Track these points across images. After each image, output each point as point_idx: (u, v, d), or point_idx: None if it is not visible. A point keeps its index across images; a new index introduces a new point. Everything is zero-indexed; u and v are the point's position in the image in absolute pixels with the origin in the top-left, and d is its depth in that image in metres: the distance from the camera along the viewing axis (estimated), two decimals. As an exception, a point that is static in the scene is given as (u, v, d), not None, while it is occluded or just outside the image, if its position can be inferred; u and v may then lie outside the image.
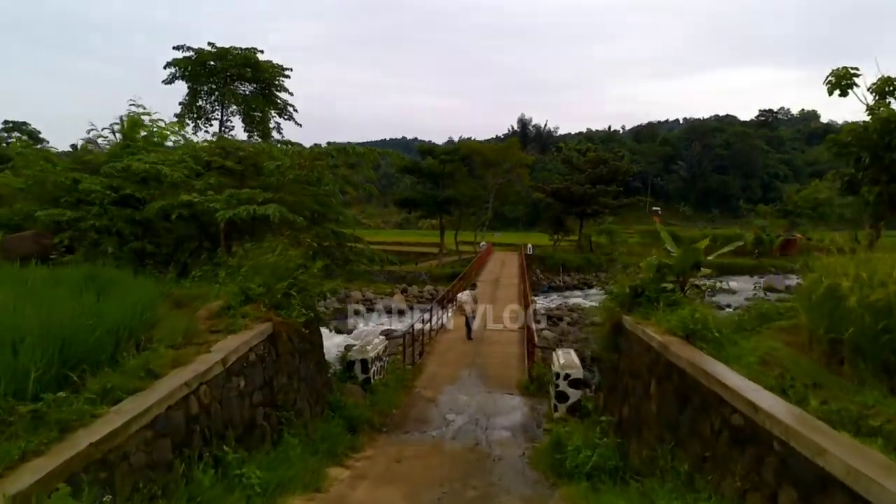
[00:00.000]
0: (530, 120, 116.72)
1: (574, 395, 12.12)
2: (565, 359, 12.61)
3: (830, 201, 66.86)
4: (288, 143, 15.88)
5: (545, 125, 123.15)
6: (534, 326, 16.83)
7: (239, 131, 68.78)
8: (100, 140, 15.22)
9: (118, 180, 12.85)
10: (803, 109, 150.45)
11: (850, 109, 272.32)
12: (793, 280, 57.88)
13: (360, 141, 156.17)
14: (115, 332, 6.15)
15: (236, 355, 6.92)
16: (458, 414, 12.54)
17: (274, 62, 52.59)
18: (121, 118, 15.04)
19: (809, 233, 65.54)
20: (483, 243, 58.07)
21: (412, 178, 59.88)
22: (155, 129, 15.39)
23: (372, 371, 13.02)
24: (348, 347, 23.40)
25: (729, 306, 46.16)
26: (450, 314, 24.15)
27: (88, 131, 14.86)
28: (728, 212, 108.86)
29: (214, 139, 19.08)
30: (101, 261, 10.80)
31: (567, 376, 12.13)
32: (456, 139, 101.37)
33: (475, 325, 21.30)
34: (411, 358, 16.56)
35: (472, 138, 58.63)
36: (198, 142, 16.79)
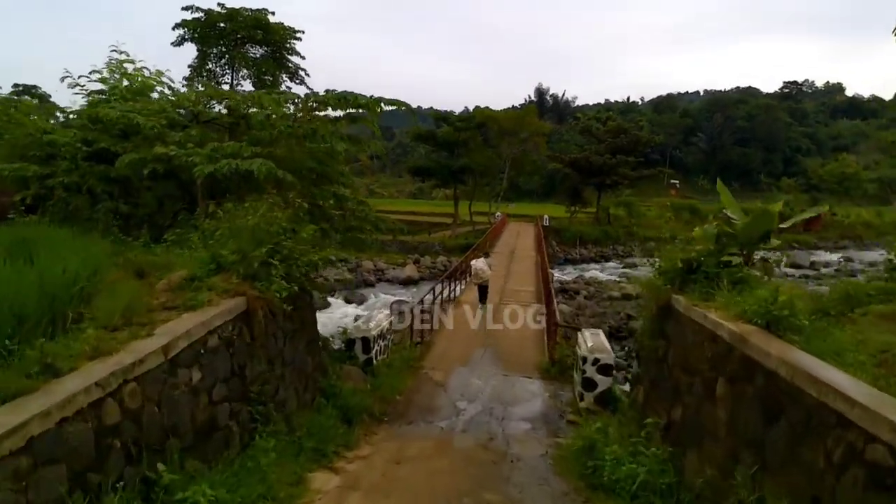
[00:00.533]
0: (548, 90, 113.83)
1: (603, 382, 10.52)
2: (594, 341, 10.98)
3: (857, 176, 64.31)
4: (282, 92, 14.16)
5: (563, 95, 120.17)
6: (555, 304, 15.20)
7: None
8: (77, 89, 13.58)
9: (94, 133, 11.28)
10: (828, 82, 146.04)
11: (876, 83, 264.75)
12: (819, 256, 55.71)
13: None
14: (23, 309, 4.60)
15: (188, 340, 5.35)
16: (469, 401, 10.99)
17: (285, 24, 50.86)
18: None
19: (835, 208, 63.17)
20: (498, 214, 56.23)
21: (426, 146, 58.02)
22: (139, 79, 13.74)
23: (374, 350, 11.48)
24: (358, 319, 22.05)
25: (751, 282, 44.34)
26: (462, 287, 22.54)
27: (62, 78, 13.20)
28: (748, 186, 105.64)
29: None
30: (72, 223, 9.34)
31: (596, 361, 10.51)
32: (471, 109, 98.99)
33: (489, 294, 20.07)
34: (419, 334, 15.02)
35: (489, 107, 56.25)
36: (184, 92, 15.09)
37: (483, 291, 19.85)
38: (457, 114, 51.36)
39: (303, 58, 49.87)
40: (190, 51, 47.40)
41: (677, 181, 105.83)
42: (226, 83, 52.29)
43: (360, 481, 6.93)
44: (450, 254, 47.90)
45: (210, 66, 52.70)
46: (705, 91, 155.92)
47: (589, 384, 10.56)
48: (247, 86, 51.32)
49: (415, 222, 60.69)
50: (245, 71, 53.30)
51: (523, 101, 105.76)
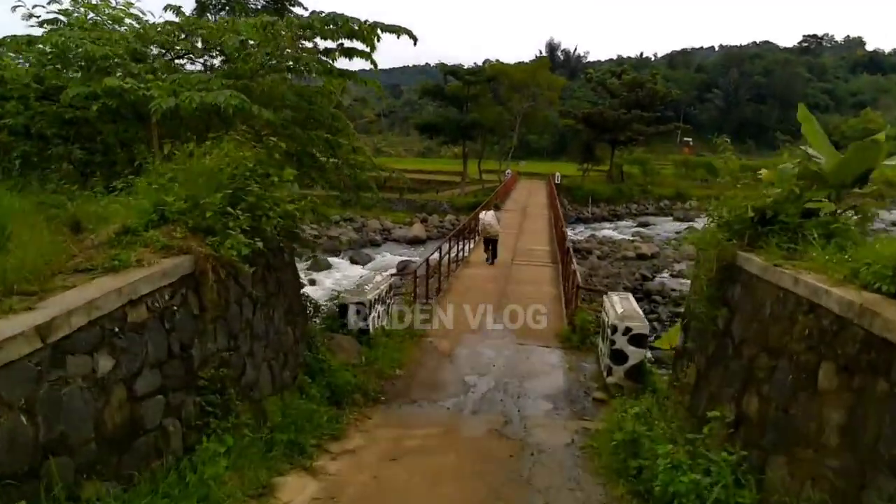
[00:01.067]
0: (559, 45, 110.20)
1: (636, 355, 8.96)
2: (624, 307, 9.40)
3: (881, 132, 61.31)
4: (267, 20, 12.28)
5: (574, 50, 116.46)
6: (574, 264, 13.62)
7: None
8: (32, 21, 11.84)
9: (50, 69, 9.61)
10: (848, 36, 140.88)
11: None
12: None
13: (384, 68, 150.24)
14: None
15: (89, 316, 3.79)
16: (480, 375, 9.49)
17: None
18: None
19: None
20: (508, 171, 54.25)
21: (434, 103, 55.90)
22: (106, 11, 11.96)
23: (371, 318, 9.95)
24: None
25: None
26: (472, 246, 20.94)
27: (14, 8, 11.45)
28: (763, 144, 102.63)
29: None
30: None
31: (628, 330, 8.95)
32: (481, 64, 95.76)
33: (499, 252, 18.78)
34: (424, 297, 13.50)
35: (499, 60, 53.76)
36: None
37: (491, 246, 18.62)
38: (466, 67, 48.97)
39: (305, 9, 47.69)
40: (189, 2, 45.38)
41: (690, 139, 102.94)
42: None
43: (343, 490, 5.43)
44: (458, 212, 46.26)
45: (209, 17, 50.75)
46: (720, 46, 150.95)
47: (618, 356, 9.02)
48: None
49: (423, 181, 58.87)
50: (242, 17, 51.47)
51: (535, 56, 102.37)
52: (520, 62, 50.67)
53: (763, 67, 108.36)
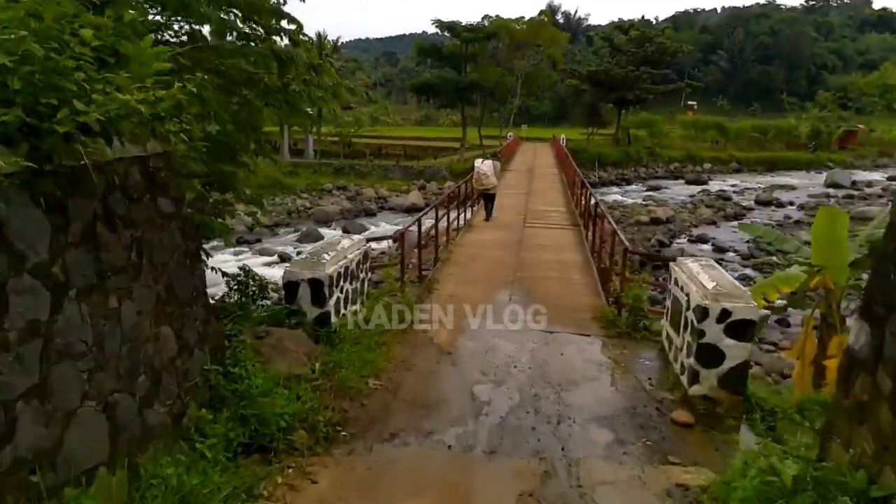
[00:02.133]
0: (559, 7, 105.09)
1: (736, 352, 5.70)
2: (714, 278, 6.11)
3: (902, 87, 57.53)
4: None
5: (575, 13, 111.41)
6: (612, 222, 10.34)
7: None
8: None
9: None
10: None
11: None
12: (858, 175, 50.08)
13: (380, 36, 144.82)
14: None
15: None
16: (496, 384, 6.26)
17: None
18: None
19: (873, 124, 56.94)
20: (510, 135, 50.53)
21: (430, 69, 52.00)
22: None
23: (334, 301, 6.65)
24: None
25: (791, 203, 39.20)
26: (475, 209, 17.62)
27: None
28: (770, 106, 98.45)
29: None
30: None
31: (725, 315, 5.67)
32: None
33: (507, 214, 16.37)
34: (416, 271, 10.22)
35: (499, 16, 49.54)
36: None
37: (488, 201, 16.13)
38: (464, 24, 45.01)
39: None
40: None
41: (695, 102, 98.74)
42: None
43: None
44: (458, 179, 42.84)
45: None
46: (723, 9, 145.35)
47: (709, 355, 5.76)
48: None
49: (420, 147, 55.41)
50: None
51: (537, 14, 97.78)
52: (521, 17, 46.66)
53: (769, 27, 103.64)
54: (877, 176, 50.71)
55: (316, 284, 6.39)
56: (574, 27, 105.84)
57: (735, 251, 26.66)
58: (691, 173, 49.93)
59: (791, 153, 53.91)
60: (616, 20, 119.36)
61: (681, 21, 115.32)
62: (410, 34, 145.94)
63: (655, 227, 31.57)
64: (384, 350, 6.75)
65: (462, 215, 15.45)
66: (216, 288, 6.26)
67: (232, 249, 24.41)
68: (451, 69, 46.96)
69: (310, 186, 42.44)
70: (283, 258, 24.71)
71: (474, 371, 6.58)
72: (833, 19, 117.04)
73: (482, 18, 45.69)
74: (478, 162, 16.58)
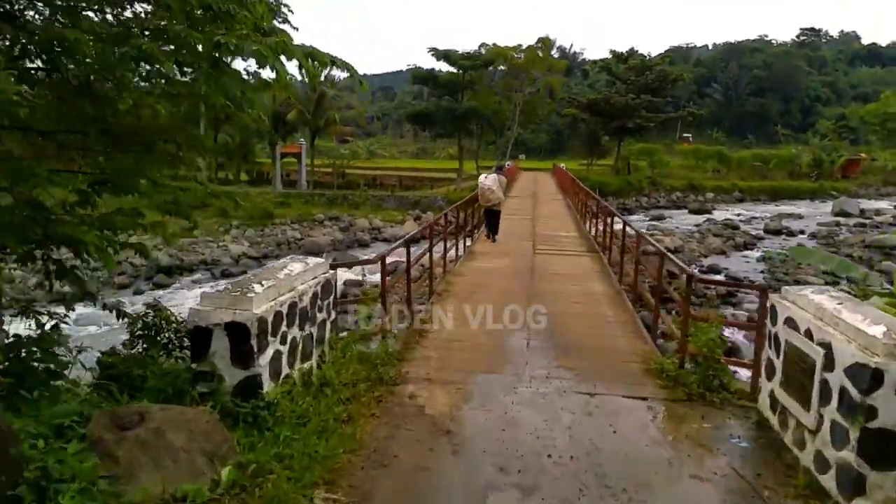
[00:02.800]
0: (554, 42, 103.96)
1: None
2: (874, 319, 3.74)
3: (903, 115, 55.96)
4: None
5: (570, 47, 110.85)
6: (657, 243, 8.04)
7: None
8: None
9: None
10: (843, 31, 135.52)
11: (891, 30, 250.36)
12: (865, 203, 48.15)
13: (377, 73, 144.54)
14: None
15: None
16: (525, 491, 3.84)
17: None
18: None
19: (875, 153, 55.24)
20: (509, 163, 48.48)
21: (425, 100, 50.31)
22: None
23: (269, 356, 4.24)
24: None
25: (802, 232, 37.07)
26: (466, 248, 15.29)
27: None
28: (765, 137, 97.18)
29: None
30: None
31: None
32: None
33: (515, 240, 14.33)
34: (406, 308, 7.80)
35: (496, 44, 47.79)
36: None
37: (492, 219, 14.54)
38: (460, 52, 43.35)
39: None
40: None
41: (690, 134, 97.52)
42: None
43: None
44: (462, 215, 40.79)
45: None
46: (714, 45, 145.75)
47: (887, 448, 3.38)
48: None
49: (417, 178, 53.39)
50: None
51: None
52: (518, 45, 45.06)
53: (762, 61, 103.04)
54: (883, 204, 48.68)
55: (238, 332, 3.98)
56: (569, 62, 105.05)
57: (751, 282, 24.38)
58: (694, 202, 47.94)
59: (794, 182, 52.03)
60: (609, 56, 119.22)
61: (675, 55, 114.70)
62: (408, 69, 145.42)
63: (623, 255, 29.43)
64: (348, 431, 4.31)
65: (462, 243, 13.12)
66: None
67: (211, 283, 22.00)
68: (448, 97, 45.16)
69: (301, 217, 40.16)
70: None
71: (487, 465, 4.15)
72: (825, 53, 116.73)
73: (479, 46, 44.23)
74: (481, 177, 14.56)
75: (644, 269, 8.86)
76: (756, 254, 29.50)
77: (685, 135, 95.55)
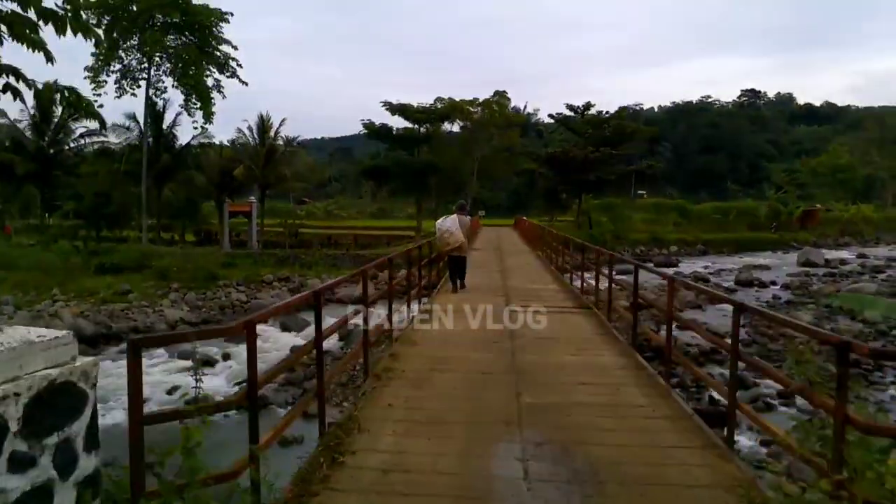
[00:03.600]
0: (508, 102, 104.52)
1: None
2: None
3: (852, 166, 56.09)
4: None
5: (524, 107, 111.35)
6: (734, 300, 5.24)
7: (174, 94, 55.55)
8: None
9: None
10: (779, 93, 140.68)
11: (826, 91, 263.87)
12: (828, 253, 47.11)
13: (336, 136, 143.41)
14: None
15: None
16: None
17: (210, 6, 40.64)
18: None
19: (830, 203, 54.94)
20: (467, 218, 46.16)
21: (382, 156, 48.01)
22: None
23: None
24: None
25: (774, 283, 35.18)
26: (422, 306, 12.20)
27: None
28: (716, 193, 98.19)
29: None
30: None
31: None
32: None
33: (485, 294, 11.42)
34: (320, 412, 4.63)
35: (452, 98, 46.07)
36: None
37: (456, 267, 12.11)
38: (416, 106, 41.36)
39: (234, 48, 39.30)
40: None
41: (644, 191, 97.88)
42: (143, 78, 41.41)
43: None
44: (413, 267, 37.81)
45: (123, 56, 41.72)
46: (659, 108, 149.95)
47: None
48: (168, 81, 40.51)
49: (374, 236, 50.55)
50: (166, 63, 42.42)
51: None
52: (475, 98, 43.43)
53: (709, 121, 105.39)
54: (844, 254, 47.61)
55: None
56: (525, 124, 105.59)
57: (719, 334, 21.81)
58: (658, 255, 46.08)
59: (755, 234, 50.90)
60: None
61: (625, 115, 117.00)
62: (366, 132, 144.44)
63: (637, 312, 26.70)
64: None
65: (415, 304, 10.06)
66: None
67: (147, 353, 18.37)
68: (405, 153, 42.85)
69: (248, 278, 36.39)
70: (207, 362, 18.66)
71: None
72: (765, 113, 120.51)
73: (435, 101, 42.36)
74: (439, 221, 11.78)
75: (684, 328, 5.92)
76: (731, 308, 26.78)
77: (640, 192, 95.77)
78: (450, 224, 11.13)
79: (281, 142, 40.13)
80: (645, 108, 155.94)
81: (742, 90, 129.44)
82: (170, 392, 13.39)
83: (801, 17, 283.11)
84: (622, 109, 47.27)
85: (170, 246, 42.10)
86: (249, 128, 41.59)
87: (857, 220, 52.66)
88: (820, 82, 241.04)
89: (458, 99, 42.33)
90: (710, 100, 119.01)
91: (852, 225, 53.60)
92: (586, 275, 12.67)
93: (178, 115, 42.29)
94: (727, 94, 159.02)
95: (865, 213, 52.89)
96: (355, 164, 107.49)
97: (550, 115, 47.99)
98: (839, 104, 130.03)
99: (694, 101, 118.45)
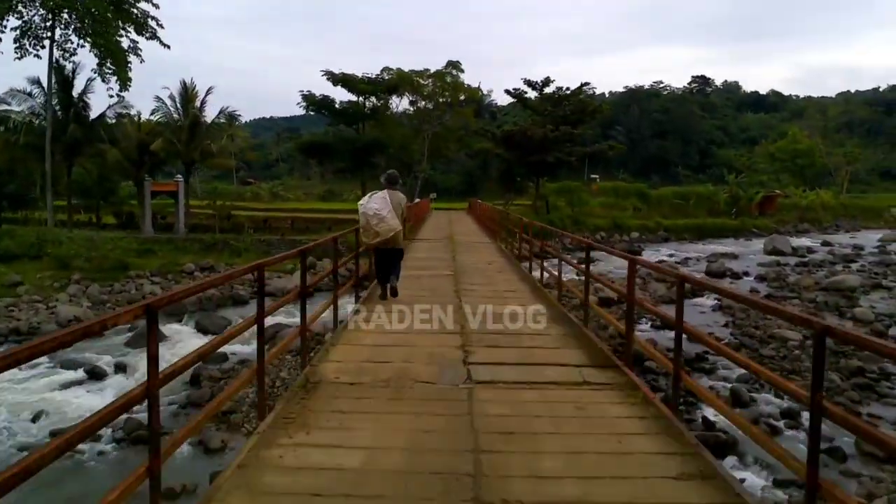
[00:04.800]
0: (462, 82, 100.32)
1: None
2: None
3: (811, 151, 54.36)
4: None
5: (477, 86, 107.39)
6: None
7: (85, 55, 49.97)
8: None
9: None
10: (726, 81, 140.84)
11: (769, 82, 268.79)
12: (794, 241, 45.11)
13: (286, 115, 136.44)
14: None
15: None
16: None
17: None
18: None
19: (789, 188, 53.30)
20: (417, 200, 42.00)
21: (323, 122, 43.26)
22: None
23: None
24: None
25: (747, 274, 32.55)
26: (355, 307, 8.31)
27: None
28: (667, 178, 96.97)
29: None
30: None
31: None
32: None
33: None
34: None
35: (400, 69, 41.57)
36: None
37: (387, 263, 8.55)
38: (360, 76, 36.90)
39: (155, 5, 33.69)
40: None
41: (597, 176, 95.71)
42: (47, 38, 35.28)
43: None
44: (360, 255, 33.65)
45: (21, 11, 35.50)
46: (611, 93, 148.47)
47: None
48: (78, 41, 34.69)
49: (315, 220, 46.05)
50: (74, 21, 36.15)
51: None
52: (426, 69, 39.22)
53: (660, 106, 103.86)
54: (806, 241, 45.67)
55: None
56: (479, 104, 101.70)
57: (717, 338, 18.67)
58: (620, 242, 43.19)
59: (717, 220, 48.69)
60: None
61: (584, 93, 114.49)
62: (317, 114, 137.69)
63: (608, 308, 23.05)
64: None
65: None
66: None
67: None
68: (349, 126, 38.36)
69: (165, 268, 31.46)
70: (95, 374, 14.27)
71: None
72: (714, 100, 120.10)
73: (382, 71, 37.95)
74: (363, 200, 7.83)
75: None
76: (709, 301, 23.22)
77: (592, 175, 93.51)
78: (378, 205, 7.34)
79: (214, 116, 35.25)
80: (597, 93, 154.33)
81: (693, 76, 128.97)
82: (35, 418, 10.40)
83: (742, 8, 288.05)
84: (583, 85, 43.70)
85: (85, 229, 36.82)
86: (172, 97, 36.44)
87: (815, 206, 51.15)
88: (763, 73, 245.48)
89: (407, 70, 38.07)
90: (661, 85, 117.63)
91: (811, 212, 52.07)
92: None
93: (90, 80, 36.70)
94: (677, 80, 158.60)
95: (825, 200, 51.40)
96: (303, 143, 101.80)
97: (507, 91, 43.85)
98: (784, 93, 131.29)
99: (646, 87, 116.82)
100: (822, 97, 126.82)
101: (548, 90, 43.78)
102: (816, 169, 56.55)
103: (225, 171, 53.77)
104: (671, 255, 39.38)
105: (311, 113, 40.52)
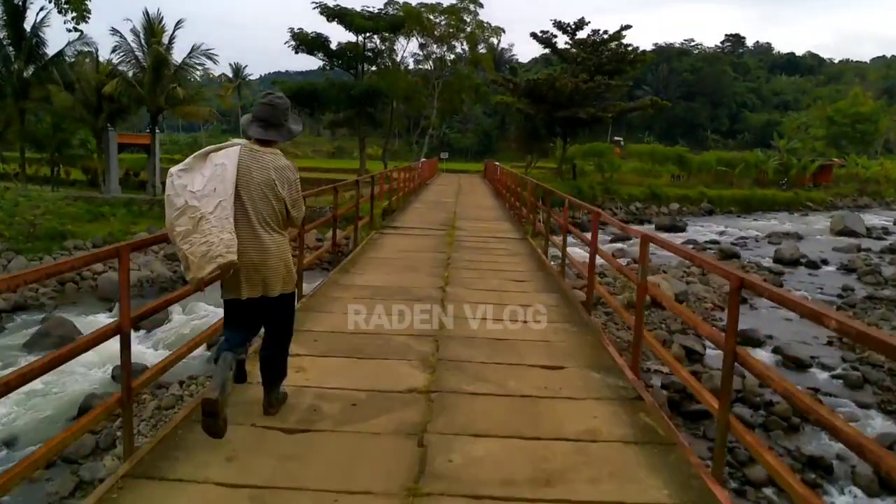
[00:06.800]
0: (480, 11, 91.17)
1: None
2: None
3: (875, 116, 45.86)
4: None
5: (497, 42, 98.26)
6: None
7: None
8: None
9: None
10: (758, 42, 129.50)
11: (807, 42, 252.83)
12: (868, 217, 36.99)
13: (301, 70, 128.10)
14: None
15: None
16: None
17: None
18: None
19: (851, 157, 45.28)
20: (422, 159, 34.38)
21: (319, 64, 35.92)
22: None
23: None
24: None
25: (826, 262, 25.15)
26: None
27: None
28: (694, 143, 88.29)
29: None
30: None
31: None
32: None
33: None
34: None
35: (408, 3, 33.65)
36: None
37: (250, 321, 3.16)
38: (359, 11, 29.46)
39: None
40: None
41: (621, 138, 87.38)
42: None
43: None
44: (349, 223, 26.91)
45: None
46: (642, 50, 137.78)
47: None
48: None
49: (311, 180, 39.22)
50: None
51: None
52: (438, 3, 31.64)
53: (690, 64, 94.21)
54: (874, 219, 37.67)
55: None
56: (498, 57, 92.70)
57: (823, 366, 11.52)
58: (658, 215, 35.80)
59: (766, 191, 41.04)
60: (539, 56, 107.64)
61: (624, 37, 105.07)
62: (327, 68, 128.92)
63: (661, 311, 15.72)
64: None
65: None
66: None
67: None
68: (346, 70, 31.14)
69: (112, 237, 24.66)
70: None
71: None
72: (748, 61, 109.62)
73: (385, 4, 30.51)
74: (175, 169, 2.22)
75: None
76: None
77: (616, 138, 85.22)
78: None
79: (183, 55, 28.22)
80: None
81: (726, 34, 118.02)
82: None
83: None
84: (623, 28, 35.64)
85: (44, 186, 30.41)
86: (134, 30, 29.31)
87: (878, 177, 43.20)
88: (794, 35, 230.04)
89: (415, 3, 30.48)
90: (692, 43, 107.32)
91: (871, 184, 44.10)
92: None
93: (46, 13, 29.62)
94: (710, 38, 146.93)
95: (888, 171, 43.44)
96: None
97: (533, 35, 35.90)
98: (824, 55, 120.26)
99: (676, 45, 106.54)
100: (859, 61, 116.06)
101: (581, 34, 35.85)
102: (880, 135, 48.38)
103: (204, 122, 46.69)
104: (722, 233, 31.98)
105: (323, 63, 32.99)
